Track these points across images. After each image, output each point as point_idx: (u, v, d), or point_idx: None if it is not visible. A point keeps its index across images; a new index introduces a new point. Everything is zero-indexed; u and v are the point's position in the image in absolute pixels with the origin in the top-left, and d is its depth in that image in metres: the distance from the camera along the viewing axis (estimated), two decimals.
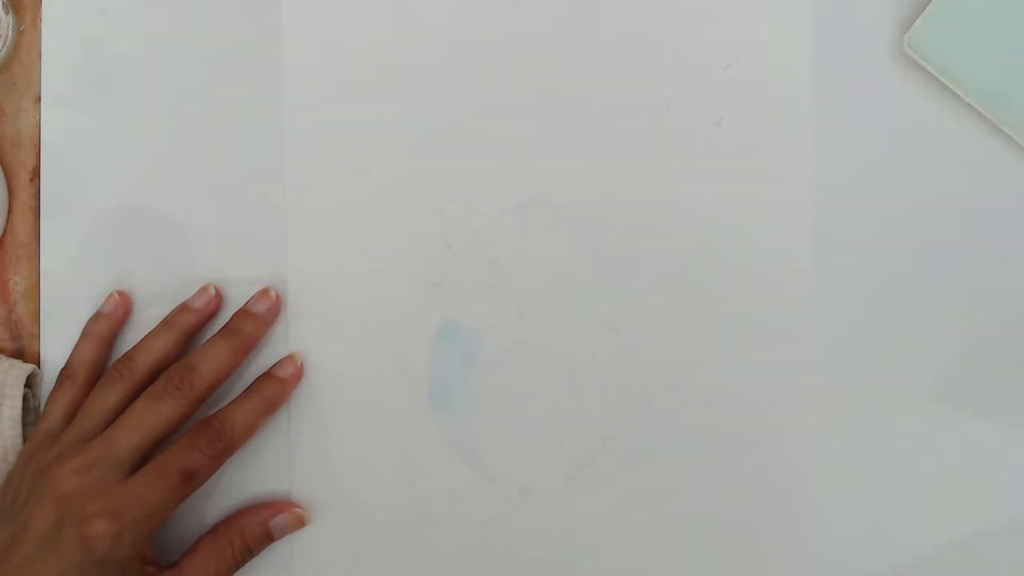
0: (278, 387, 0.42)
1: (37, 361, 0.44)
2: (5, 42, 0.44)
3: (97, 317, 0.43)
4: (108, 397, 0.41)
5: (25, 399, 0.42)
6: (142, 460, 0.39)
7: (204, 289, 0.43)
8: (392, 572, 0.43)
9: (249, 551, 0.41)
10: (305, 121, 0.44)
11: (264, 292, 0.43)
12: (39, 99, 0.45)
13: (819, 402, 0.43)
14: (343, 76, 0.44)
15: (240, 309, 0.43)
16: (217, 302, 0.43)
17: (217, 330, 0.42)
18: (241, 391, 0.42)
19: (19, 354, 0.44)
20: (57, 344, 0.44)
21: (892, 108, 0.44)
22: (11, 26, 0.44)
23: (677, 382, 0.43)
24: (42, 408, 0.43)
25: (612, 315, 0.44)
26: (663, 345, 0.43)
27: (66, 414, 0.41)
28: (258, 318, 0.43)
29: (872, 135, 0.44)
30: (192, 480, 0.39)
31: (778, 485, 0.43)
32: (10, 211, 0.45)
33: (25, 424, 0.42)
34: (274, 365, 0.43)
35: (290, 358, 0.43)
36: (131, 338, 0.43)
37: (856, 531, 0.42)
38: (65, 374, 0.42)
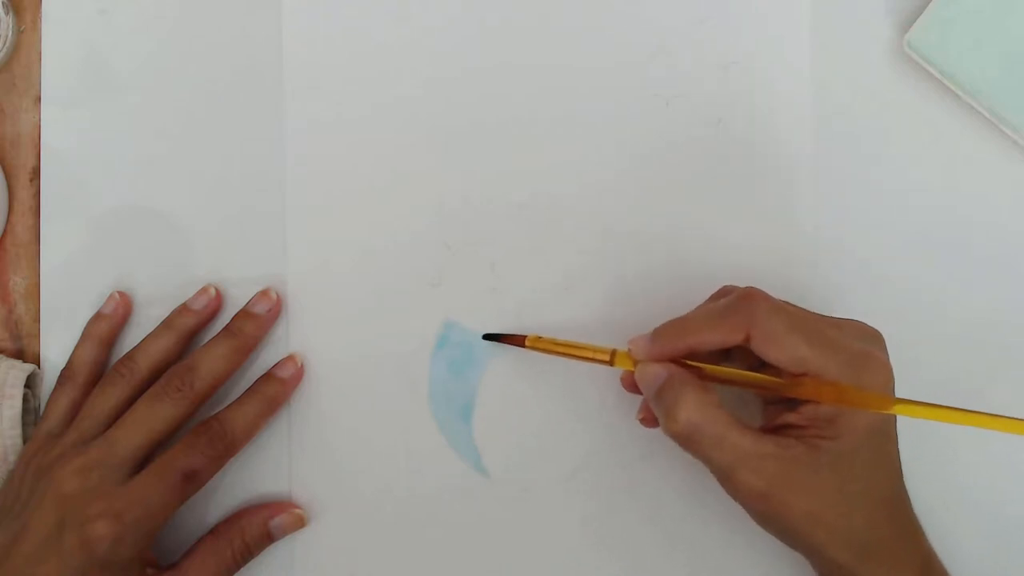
0: (278, 387, 0.42)
1: (37, 361, 0.44)
2: (5, 42, 0.44)
3: (97, 318, 0.43)
4: (109, 398, 0.41)
5: (25, 399, 0.42)
6: (143, 461, 0.39)
7: (204, 290, 0.43)
8: (392, 572, 0.43)
9: (249, 551, 0.41)
10: (305, 121, 0.44)
11: (264, 293, 0.43)
12: (39, 99, 0.45)
13: None
14: (343, 76, 0.44)
15: (240, 310, 0.43)
16: (217, 303, 0.43)
17: (218, 331, 0.42)
18: (242, 392, 0.42)
19: (19, 354, 0.44)
20: (57, 344, 0.44)
21: (892, 108, 0.44)
22: (11, 26, 0.44)
23: None
24: (42, 408, 0.43)
25: (612, 315, 0.44)
26: None
27: (66, 415, 0.41)
28: (258, 319, 0.43)
29: (872, 135, 0.44)
30: (193, 481, 0.39)
31: None
32: (10, 211, 0.45)
33: (25, 424, 0.42)
34: (274, 366, 0.43)
35: (290, 358, 0.43)
36: (131, 339, 0.43)
37: None
38: (65, 375, 0.42)
